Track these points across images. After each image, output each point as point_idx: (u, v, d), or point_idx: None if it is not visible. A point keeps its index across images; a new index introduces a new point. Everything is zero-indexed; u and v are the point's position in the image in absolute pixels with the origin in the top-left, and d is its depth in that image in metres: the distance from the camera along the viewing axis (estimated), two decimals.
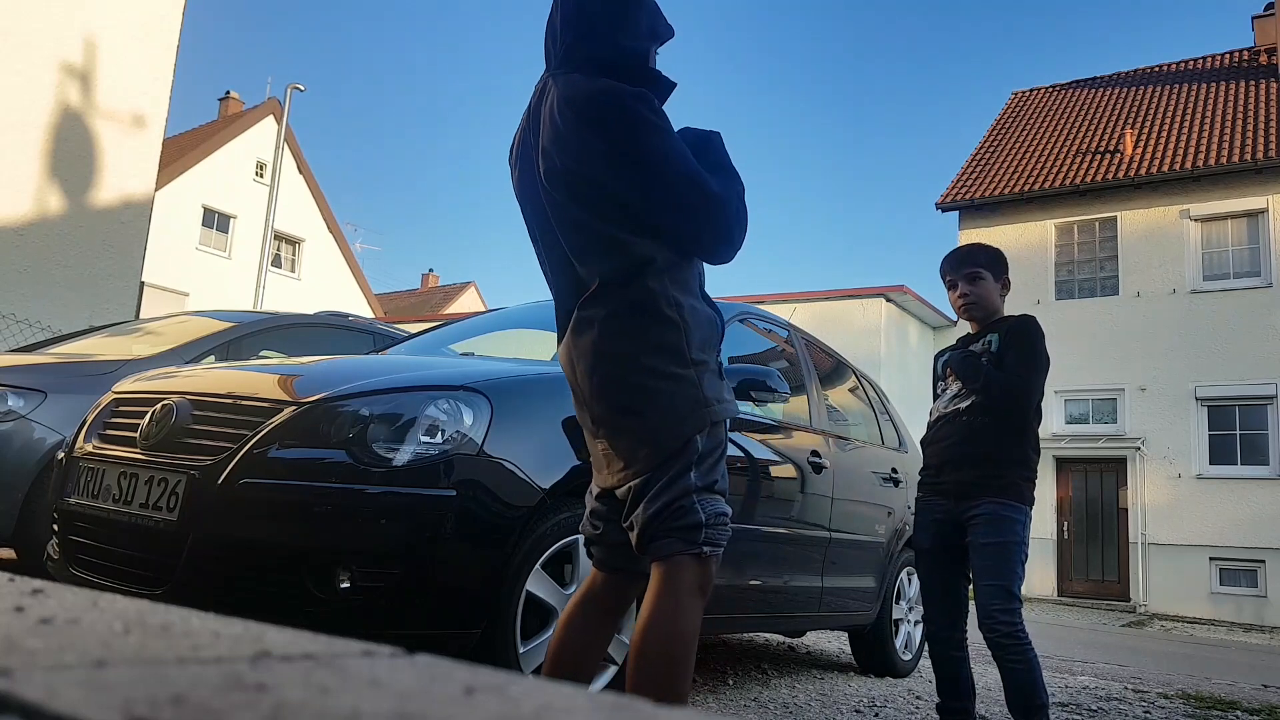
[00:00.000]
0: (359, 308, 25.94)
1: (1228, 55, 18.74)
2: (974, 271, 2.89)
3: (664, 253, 1.74)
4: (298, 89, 17.48)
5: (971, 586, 2.77)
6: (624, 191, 1.70)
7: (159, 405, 2.44)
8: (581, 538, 2.39)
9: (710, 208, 1.71)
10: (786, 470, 3.49)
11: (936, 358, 3.10)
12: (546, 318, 4.20)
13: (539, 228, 1.85)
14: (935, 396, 3.01)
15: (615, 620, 1.91)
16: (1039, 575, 14.64)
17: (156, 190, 9.85)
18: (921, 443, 3.03)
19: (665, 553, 1.69)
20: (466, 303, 36.25)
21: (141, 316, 7.46)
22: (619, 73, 1.76)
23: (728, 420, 1.80)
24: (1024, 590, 2.77)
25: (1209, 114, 16.54)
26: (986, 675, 4.72)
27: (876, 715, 3.38)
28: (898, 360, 16.46)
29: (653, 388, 1.71)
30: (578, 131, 1.71)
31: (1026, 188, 15.93)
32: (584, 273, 1.77)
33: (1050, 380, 3.05)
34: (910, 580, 4.65)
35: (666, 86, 1.82)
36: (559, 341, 1.84)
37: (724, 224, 1.73)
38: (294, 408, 2.25)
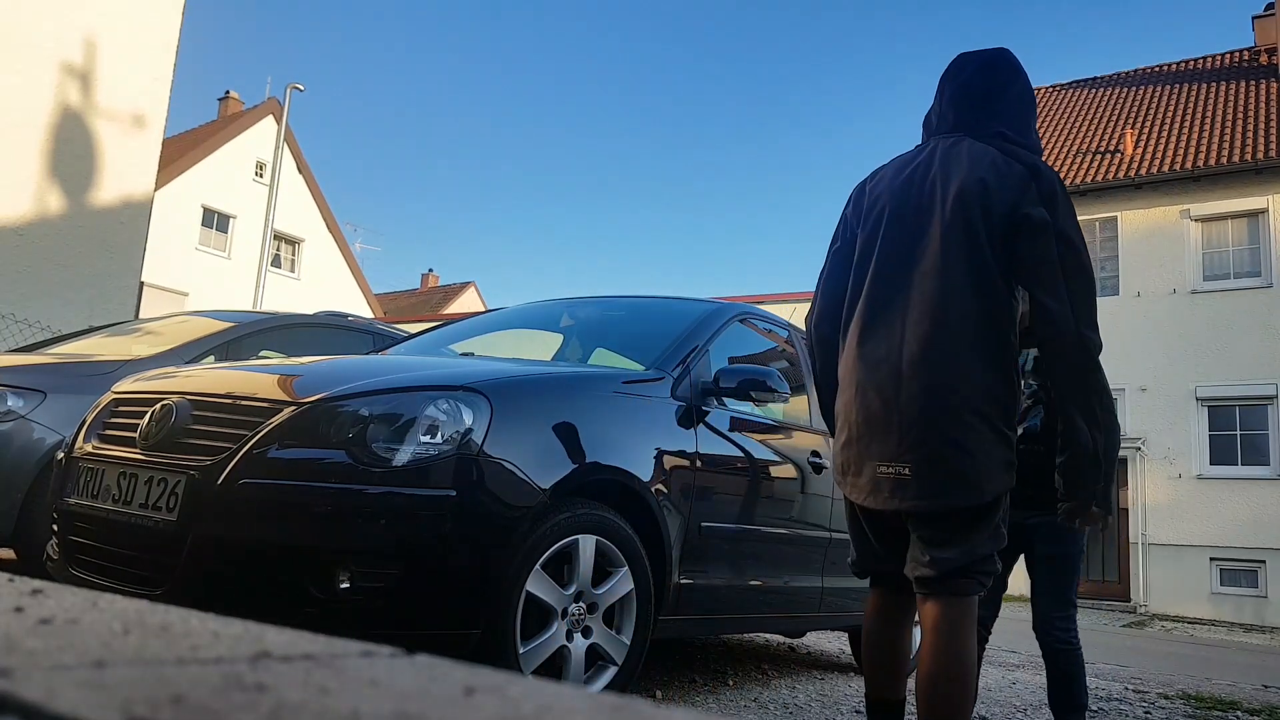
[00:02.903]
0: (359, 308, 25.93)
1: (1228, 55, 18.74)
2: None
3: (1015, 323, 1.98)
4: (297, 89, 17.48)
5: (1031, 593, 2.87)
6: (1053, 253, 1.91)
7: (158, 405, 2.44)
8: (582, 538, 2.41)
9: (1095, 295, 1.96)
10: (787, 470, 3.49)
11: None
12: (546, 318, 4.20)
13: (904, 254, 2.04)
14: None
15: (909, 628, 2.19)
16: None
17: (156, 190, 9.84)
18: None
19: (964, 591, 1.94)
20: (466, 303, 36.25)
21: (141, 316, 7.46)
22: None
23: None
24: (1025, 590, 2.85)
25: (1209, 114, 16.53)
26: (986, 675, 4.72)
27: None
28: None
29: (984, 435, 1.90)
30: (1020, 185, 1.95)
31: None
32: (956, 315, 1.93)
33: None
34: None
35: None
36: (878, 360, 2.00)
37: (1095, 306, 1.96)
38: (294, 408, 2.25)
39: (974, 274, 1.94)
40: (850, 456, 2.04)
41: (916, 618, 2.08)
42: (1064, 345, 1.89)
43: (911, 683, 2.22)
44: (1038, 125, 18.65)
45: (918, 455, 1.90)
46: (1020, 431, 2.82)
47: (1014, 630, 7.86)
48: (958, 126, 2.14)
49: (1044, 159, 2.08)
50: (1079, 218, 2.00)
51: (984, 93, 2.14)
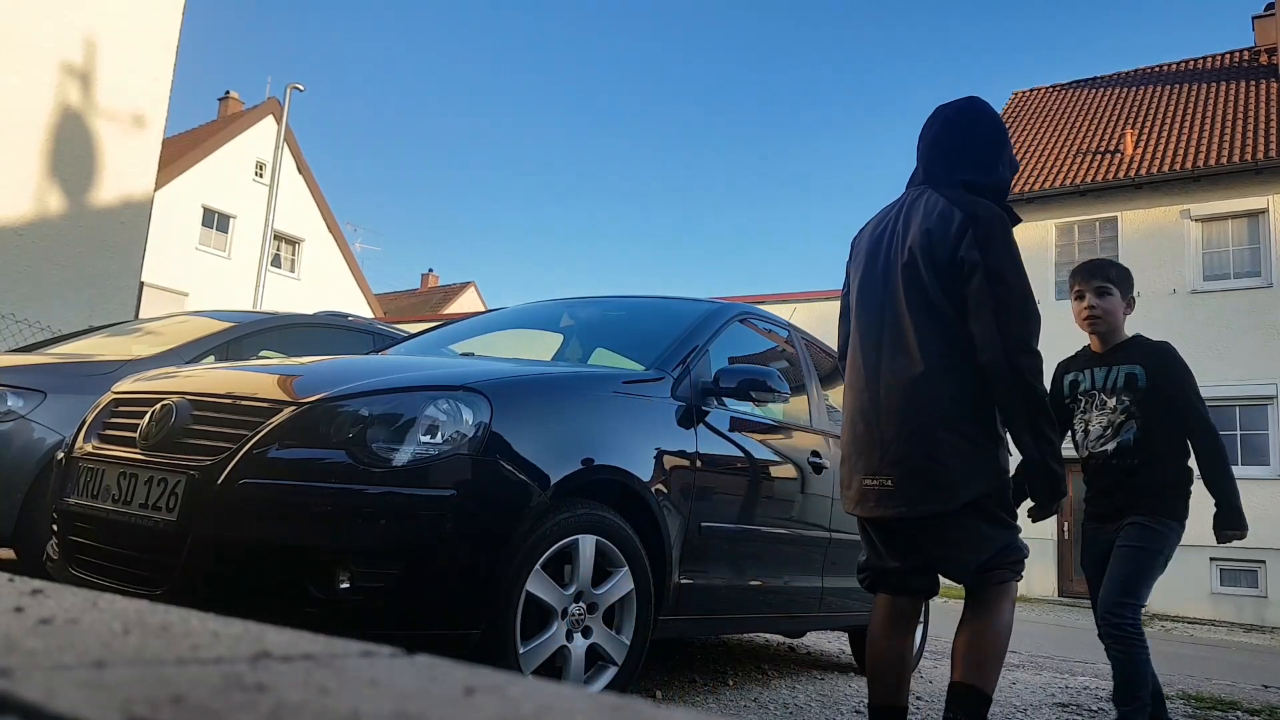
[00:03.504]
0: (359, 307, 25.93)
1: (1228, 55, 18.74)
2: (1103, 285, 2.96)
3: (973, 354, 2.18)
4: (297, 89, 17.49)
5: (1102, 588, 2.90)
6: (984, 289, 2.14)
7: (158, 405, 2.44)
8: (582, 538, 2.41)
9: (1034, 322, 2.17)
10: (787, 470, 3.49)
11: (1061, 374, 3.10)
12: (546, 318, 4.20)
13: (877, 298, 2.33)
14: (1069, 416, 3.03)
15: (914, 632, 2.41)
16: (1039, 575, 14.62)
17: (156, 190, 9.85)
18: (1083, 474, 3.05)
19: (1000, 580, 2.22)
20: (466, 303, 36.25)
21: (141, 316, 7.46)
22: (993, 198, 2.29)
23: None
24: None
25: (1209, 114, 16.53)
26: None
27: None
28: None
29: (958, 445, 2.14)
30: (958, 232, 2.18)
31: (1027, 188, 15.92)
32: (918, 347, 2.20)
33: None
34: None
35: (1015, 216, 2.31)
36: (861, 389, 2.30)
37: (1037, 337, 2.18)
38: (294, 408, 2.25)
39: (930, 315, 2.21)
40: (844, 472, 2.36)
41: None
42: (996, 371, 2.14)
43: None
44: (1039, 126, 18.72)
45: (898, 470, 2.18)
46: (1115, 445, 2.89)
47: (1015, 630, 7.84)
48: (927, 179, 2.40)
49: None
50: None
51: (947, 146, 2.39)
